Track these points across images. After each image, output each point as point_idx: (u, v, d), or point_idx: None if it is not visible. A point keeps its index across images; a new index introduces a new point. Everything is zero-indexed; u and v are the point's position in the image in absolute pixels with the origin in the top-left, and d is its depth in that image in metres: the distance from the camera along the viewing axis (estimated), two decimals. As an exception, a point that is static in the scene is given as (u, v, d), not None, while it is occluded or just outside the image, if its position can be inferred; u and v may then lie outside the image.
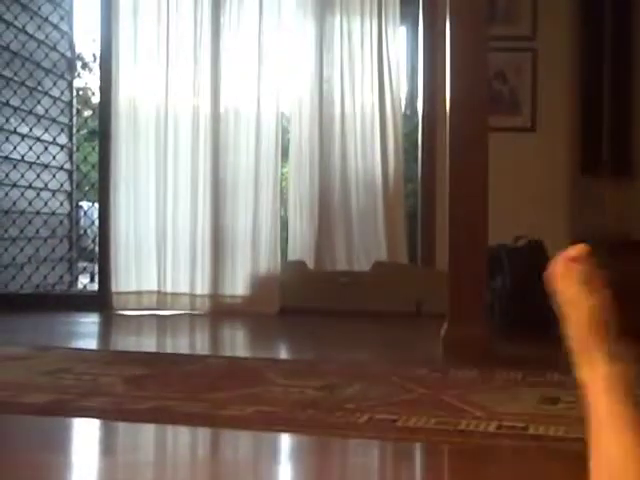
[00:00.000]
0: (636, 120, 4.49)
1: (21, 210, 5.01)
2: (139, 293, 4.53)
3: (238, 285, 4.52)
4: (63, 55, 5.47)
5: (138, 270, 4.54)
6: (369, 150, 4.68)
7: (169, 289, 4.52)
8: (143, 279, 4.54)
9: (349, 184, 4.67)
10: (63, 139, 5.44)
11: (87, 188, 6.14)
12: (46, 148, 5.21)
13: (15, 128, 5.00)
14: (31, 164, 5.11)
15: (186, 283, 4.51)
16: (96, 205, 5.11)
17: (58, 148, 5.37)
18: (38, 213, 5.13)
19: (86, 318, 4.26)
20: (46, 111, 5.24)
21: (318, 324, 4.04)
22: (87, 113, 7.09)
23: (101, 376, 2.49)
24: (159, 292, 4.53)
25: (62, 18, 5.43)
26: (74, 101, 5.66)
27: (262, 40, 4.55)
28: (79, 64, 6.90)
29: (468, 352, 2.86)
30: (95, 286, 4.96)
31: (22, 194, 5.02)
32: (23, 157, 5.05)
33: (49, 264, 5.16)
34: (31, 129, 5.11)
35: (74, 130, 5.62)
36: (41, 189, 5.18)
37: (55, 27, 5.36)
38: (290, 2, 4.67)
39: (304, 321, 4.15)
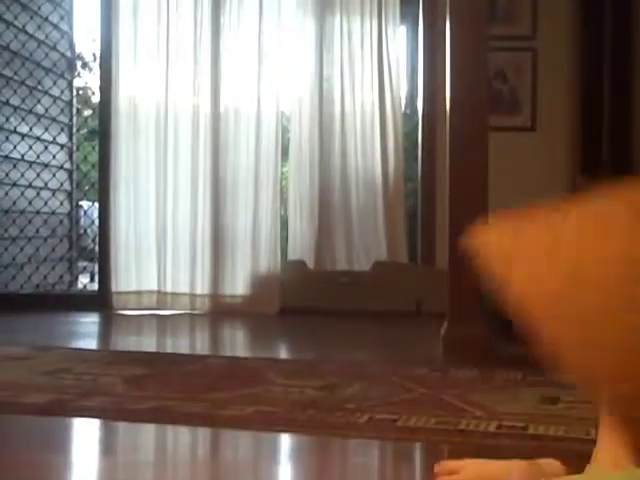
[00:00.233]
0: (636, 120, 4.49)
1: (21, 209, 5.02)
2: (139, 293, 4.54)
3: (238, 285, 4.52)
4: (63, 55, 5.47)
5: (138, 270, 4.54)
6: (369, 149, 4.68)
7: (169, 289, 4.52)
8: (143, 279, 4.54)
9: (349, 183, 4.67)
10: (63, 138, 5.44)
11: (87, 187, 6.14)
12: (46, 147, 5.21)
13: (15, 127, 5.00)
14: (31, 163, 5.11)
15: (186, 283, 4.51)
16: (96, 205, 5.11)
17: (58, 147, 5.37)
18: (38, 212, 5.13)
19: (86, 318, 4.26)
20: (46, 110, 5.25)
21: (318, 324, 4.04)
22: (87, 112, 7.09)
23: (101, 376, 2.49)
24: (159, 292, 4.53)
25: (62, 18, 5.43)
26: (74, 100, 5.67)
27: (262, 40, 4.55)
28: (79, 64, 6.90)
29: (468, 352, 2.87)
30: (95, 286, 4.96)
31: (22, 193, 5.02)
32: (23, 156, 5.05)
33: (49, 264, 5.16)
34: (31, 128, 5.11)
35: (74, 129, 5.62)
36: (41, 188, 5.18)
37: (55, 27, 5.36)
38: (290, 2, 4.67)
39: (304, 321, 4.15)
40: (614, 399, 0.89)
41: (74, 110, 5.66)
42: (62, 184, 5.43)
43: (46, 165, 5.25)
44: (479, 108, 3.04)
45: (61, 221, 5.38)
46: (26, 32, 5.10)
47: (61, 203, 5.38)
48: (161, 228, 4.54)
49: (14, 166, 4.99)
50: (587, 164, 4.50)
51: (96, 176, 5.00)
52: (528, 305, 0.90)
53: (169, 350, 3.36)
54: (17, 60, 5.03)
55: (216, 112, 4.55)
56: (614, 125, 4.47)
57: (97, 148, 4.91)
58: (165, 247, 4.54)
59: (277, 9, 4.59)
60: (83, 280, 5.68)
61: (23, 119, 5.07)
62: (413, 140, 5.19)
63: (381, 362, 2.93)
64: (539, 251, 0.93)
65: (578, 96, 4.54)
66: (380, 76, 4.67)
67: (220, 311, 4.42)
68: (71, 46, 5.60)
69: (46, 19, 5.27)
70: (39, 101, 5.21)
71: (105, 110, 4.64)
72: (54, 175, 5.32)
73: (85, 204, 6.33)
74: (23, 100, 5.08)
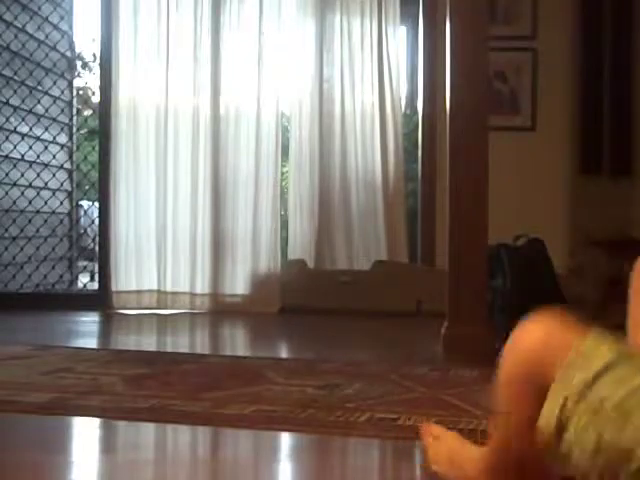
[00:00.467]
0: (636, 120, 4.50)
1: (21, 209, 5.02)
2: (139, 292, 4.54)
3: (238, 284, 4.52)
4: (63, 55, 5.48)
5: (138, 269, 4.55)
6: (369, 149, 4.69)
7: (169, 288, 4.53)
8: (143, 278, 4.54)
9: (349, 183, 4.67)
10: (63, 138, 5.45)
11: (87, 187, 6.15)
12: (46, 147, 5.21)
13: (15, 127, 5.01)
14: (31, 163, 5.12)
15: (186, 282, 4.52)
16: (96, 204, 5.12)
17: (58, 147, 5.38)
18: (38, 212, 5.14)
19: (86, 317, 4.26)
20: (46, 110, 5.25)
21: (318, 323, 4.05)
22: (87, 112, 7.10)
23: (101, 375, 2.49)
24: (159, 291, 4.53)
25: (62, 18, 5.44)
26: (74, 100, 5.67)
27: (262, 40, 4.55)
28: (79, 64, 6.91)
29: (468, 351, 2.87)
30: (95, 285, 4.96)
31: (22, 193, 5.03)
32: (23, 156, 5.05)
33: (49, 263, 5.17)
34: (31, 128, 5.12)
35: (74, 129, 5.63)
36: (41, 188, 5.19)
37: (55, 27, 5.36)
38: (290, 2, 4.68)
39: (304, 320, 4.16)
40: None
41: (74, 110, 5.67)
42: (62, 184, 5.44)
43: (46, 165, 5.25)
44: (479, 108, 3.05)
45: (61, 221, 5.39)
46: (26, 32, 5.10)
47: (61, 203, 5.38)
48: (161, 227, 4.55)
49: (14, 166, 4.99)
50: (587, 164, 4.50)
51: (96, 176, 5.00)
52: None
53: (169, 349, 3.36)
54: (17, 60, 5.03)
55: (216, 112, 4.55)
56: (614, 125, 4.47)
57: (97, 148, 4.91)
58: (165, 246, 4.54)
59: (277, 9, 4.59)
60: (83, 279, 5.68)
61: (23, 119, 5.07)
62: (413, 140, 5.19)
63: (381, 361, 2.93)
64: None
65: (578, 96, 4.54)
66: (380, 76, 4.68)
67: (220, 310, 4.43)
68: (71, 46, 5.60)
69: (46, 19, 5.27)
70: (39, 101, 5.21)
71: (105, 110, 4.64)
72: (54, 175, 5.32)
73: (85, 204, 6.34)
74: (23, 100, 5.09)
